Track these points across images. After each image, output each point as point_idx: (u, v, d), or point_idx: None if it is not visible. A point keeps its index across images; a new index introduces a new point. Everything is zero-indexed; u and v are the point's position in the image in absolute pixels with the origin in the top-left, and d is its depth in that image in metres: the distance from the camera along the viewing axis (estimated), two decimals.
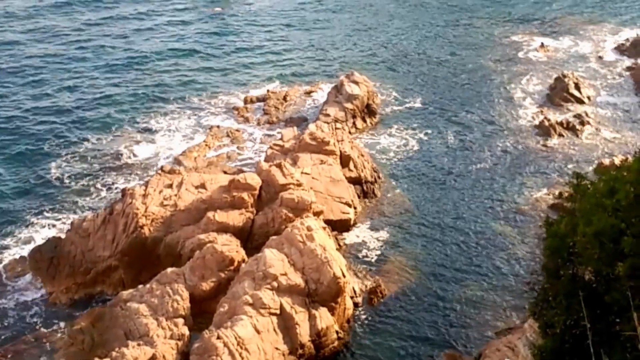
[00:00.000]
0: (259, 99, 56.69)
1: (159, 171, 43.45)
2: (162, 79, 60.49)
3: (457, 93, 58.56)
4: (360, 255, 38.97)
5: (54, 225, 41.37)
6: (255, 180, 38.99)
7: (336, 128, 49.31)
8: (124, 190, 40.86)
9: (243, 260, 34.19)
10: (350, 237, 40.38)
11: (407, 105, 56.49)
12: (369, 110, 54.06)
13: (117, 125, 52.60)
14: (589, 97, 57.46)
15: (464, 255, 38.76)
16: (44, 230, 40.92)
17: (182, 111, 54.95)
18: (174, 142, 50.41)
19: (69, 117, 53.78)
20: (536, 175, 46.60)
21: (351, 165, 44.92)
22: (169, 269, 33.76)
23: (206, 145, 49.61)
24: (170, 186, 39.49)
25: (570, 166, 46.29)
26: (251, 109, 55.32)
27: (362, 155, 46.69)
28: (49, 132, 51.55)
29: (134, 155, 48.74)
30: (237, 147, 49.88)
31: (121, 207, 38.08)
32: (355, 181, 44.20)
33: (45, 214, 42.44)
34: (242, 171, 43.15)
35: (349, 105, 52.50)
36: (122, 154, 48.74)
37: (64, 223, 41.24)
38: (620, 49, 67.76)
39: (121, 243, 36.64)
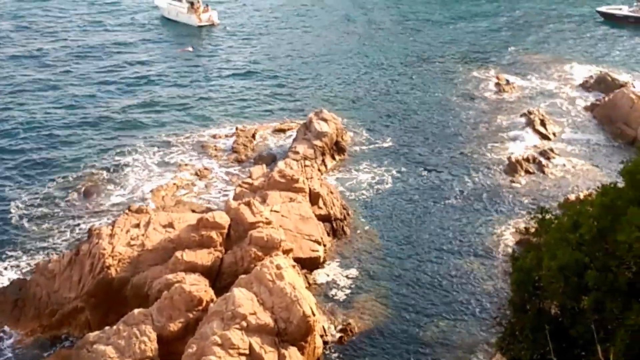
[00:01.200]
0: (227, 137, 56.71)
1: (126, 211, 43.11)
2: (129, 117, 60.32)
3: (425, 130, 59.04)
4: (330, 293, 38.82)
5: (17, 266, 40.70)
6: (223, 219, 38.81)
7: (305, 165, 49.40)
8: (90, 231, 40.45)
9: (211, 300, 33.83)
10: (319, 275, 40.23)
11: (376, 142, 56.79)
12: (338, 148, 54.25)
13: (83, 164, 52.14)
14: (554, 134, 58.27)
15: (433, 292, 38.79)
16: (8, 272, 40.18)
17: (150, 149, 54.69)
18: (141, 181, 50.06)
19: (33, 155, 53.27)
20: (503, 211, 46.97)
21: (320, 202, 44.93)
22: (136, 310, 33.28)
23: (174, 183, 49.38)
24: (137, 226, 39.14)
25: (536, 202, 46.62)
26: (220, 147, 55.24)
27: (332, 193, 46.77)
28: (13, 171, 51.04)
29: (101, 195, 48.32)
30: (206, 186, 49.71)
31: (88, 247, 37.66)
32: (324, 218, 44.17)
33: (9, 255, 41.74)
34: (211, 210, 43.00)
35: (318, 143, 52.65)
36: (88, 194, 48.26)
37: (28, 265, 40.61)
38: (584, 86, 68.89)
39: (87, 284, 36.15)
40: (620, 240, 18.70)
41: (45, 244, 42.91)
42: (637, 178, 20.28)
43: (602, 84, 67.65)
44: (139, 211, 43.05)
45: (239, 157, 53.48)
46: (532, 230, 29.78)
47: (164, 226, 39.16)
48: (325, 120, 54.80)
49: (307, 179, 46.17)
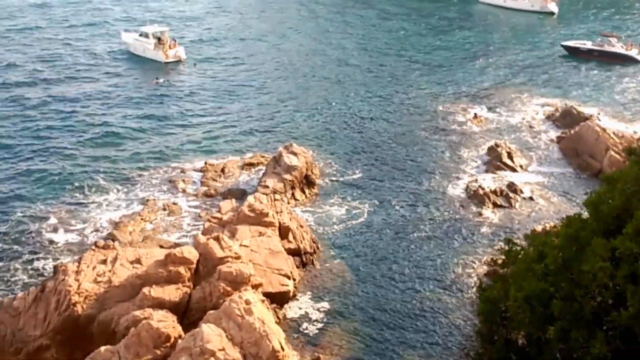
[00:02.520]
0: (196, 172, 56.57)
1: (93, 247, 42.59)
2: (95, 152, 59.91)
3: (394, 163, 59.41)
4: (300, 327, 38.58)
5: None
6: (192, 254, 38.53)
7: (275, 199, 49.31)
8: (56, 267, 39.88)
9: (180, 337, 33.42)
10: (289, 310, 39.99)
11: (346, 175, 57.01)
12: (307, 181, 54.33)
13: (49, 199, 51.54)
14: (521, 166, 58.97)
15: (403, 324, 38.73)
16: None
17: (117, 184, 54.28)
18: (108, 217, 49.56)
19: None
20: (472, 243, 47.24)
21: (290, 236, 44.86)
22: (103, 347, 32.75)
23: (142, 219, 48.99)
24: (104, 262, 38.68)
25: (504, 234, 47.00)
26: (188, 182, 55.05)
27: (301, 226, 46.72)
28: None
29: (67, 231, 47.73)
30: (174, 221, 49.41)
31: (53, 284, 37.11)
32: (294, 252, 44.08)
33: None
34: (179, 245, 42.64)
35: (287, 177, 52.69)
36: (54, 230, 47.69)
37: None
38: (550, 119, 69.97)
39: (53, 321, 35.58)
40: (584, 270, 18.90)
41: (9, 282, 42.18)
42: (601, 209, 20.55)
43: (568, 117, 68.69)
44: (105, 247, 42.60)
45: (207, 192, 53.30)
46: (499, 261, 30.02)
47: (131, 262, 38.77)
48: (295, 154, 54.94)
49: (276, 212, 46.10)
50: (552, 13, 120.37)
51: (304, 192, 53.67)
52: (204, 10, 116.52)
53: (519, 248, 24.42)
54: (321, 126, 67.38)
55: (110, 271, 37.80)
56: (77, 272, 37.44)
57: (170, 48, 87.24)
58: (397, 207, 52.08)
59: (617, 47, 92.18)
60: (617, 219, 19.83)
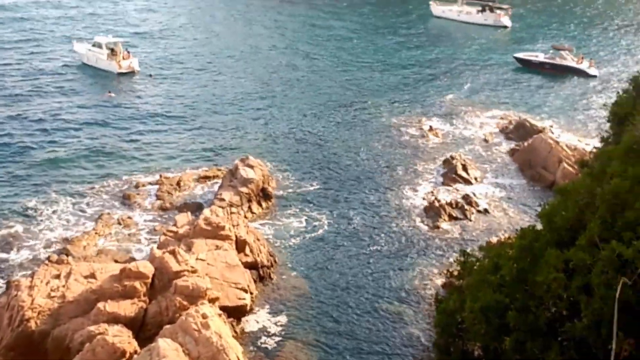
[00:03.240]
0: (151, 185, 56.05)
1: (46, 262, 41.95)
2: (47, 165, 58.87)
3: (351, 176, 59.60)
4: (257, 341, 38.34)
5: None
6: (147, 268, 38.15)
7: (231, 212, 49.14)
8: (8, 283, 39.18)
9: (135, 352, 33.02)
10: (247, 324, 39.75)
11: (303, 188, 57.01)
12: (264, 194, 54.21)
13: None
14: (476, 179, 59.62)
15: (361, 336, 38.75)
16: None
17: (70, 198, 53.42)
18: (61, 231, 48.77)
19: None
20: (428, 255, 47.57)
21: (247, 249, 44.67)
22: None
23: (96, 233, 48.30)
24: (58, 277, 38.12)
25: (460, 245, 47.42)
26: (143, 195, 54.48)
27: (258, 240, 46.59)
28: None
29: (20, 247, 46.84)
30: (129, 235, 48.82)
31: (6, 300, 36.51)
32: (251, 266, 43.88)
33: None
34: (134, 259, 42.24)
35: (244, 190, 52.52)
36: (6, 247, 46.70)
37: None
38: (504, 132, 70.93)
39: (6, 338, 34.90)
40: (539, 281, 19.14)
41: None
42: (554, 221, 20.85)
43: (521, 130, 69.71)
44: (59, 262, 41.96)
45: (163, 205, 52.83)
46: (455, 273, 30.24)
47: (86, 277, 38.25)
48: (251, 166, 54.82)
49: (233, 226, 45.90)
50: (505, 26, 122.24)
51: (260, 205, 53.54)
52: (161, 23, 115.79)
53: (474, 259, 24.66)
54: (277, 139, 67.33)
55: (64, 286, 37.26)
56: (31, 288, 36.84)
57: (123, 59, 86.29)
58: (354, 220, 52.22)
59: (569, 60, 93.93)
60: (571, 231, 20.14)
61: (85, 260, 43.38)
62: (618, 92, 46.18)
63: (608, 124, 44.65)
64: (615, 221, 17.67)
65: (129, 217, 50.95)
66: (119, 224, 50.00)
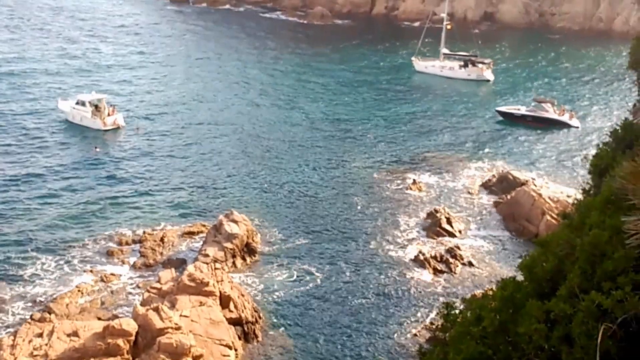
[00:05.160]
0: (135, 242, 55.82)
1: (29, 320, 41.63)
2: (30, 222, 58.59)
3: (335, 230, 59.67)
4: None
5: None
6: (131, 326, 37.91)
7: (216, 268, 48.95)
8: None
9: None
10: None
11: (287, 243, 56.97)
12: (248, 249, 54.15)
13: None
14: (460, 231, 59.84)
15: None
16: None
17: (53, 256, 53.06)
18: (44, 289, 48.37)
19: None
20: (414, 309, 47.49)
21: (231, 305, 44.44)
22: None
23: (79, 290, 47.90)
24: (40, 335, 37.81)
25: (445, 298, 47.30)
26: (127, 252, 54.23)
27: (243, 295, 46.37)
28: None
29: (1, 304, 46.31)
30: (112, 292, 48.46)
31: None
32: (235, 322, 43.62)
33: None
34: (117, 317, 41.91)
35: (228, 245, 52.45)
36: None
37: None
38: (487, 185, 71.40)
39: None
40: (520, 332, 19.04)
41: None
42: (535, 272, 20.87)
43: (504, 182, 70.23)
44: (42, 320, 41.68)
45: (146, 262, 52.56)
46: (439, 325, 30.07)
47: (69, 335, 37.93)
48: (235, 221, 54.83)
49: (217, 281, 45.71)
50: (488, 80, 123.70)
51: (245, 260, 53.45)
52: (146, 77, 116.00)
53: (457, 312, 24.58)
54: (262, 194, 67.46)
55: (47, 344, 36.93)
56: (13, 346, 36.52)
57: (108, 115, 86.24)
58: (339, 274, 52.13)
59: (550, 112, 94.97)
60: (551, 281, 20.12)
61: (68, 318, 43.03)
62: (598, 145, 46.79)
63: (589, 176, 45.13)
64: (594, 271, 17.71)
65: (112, 274, 50.64)
66: (102, 281, 49.67)
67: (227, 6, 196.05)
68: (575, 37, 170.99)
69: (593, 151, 50.97)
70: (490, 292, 30.13)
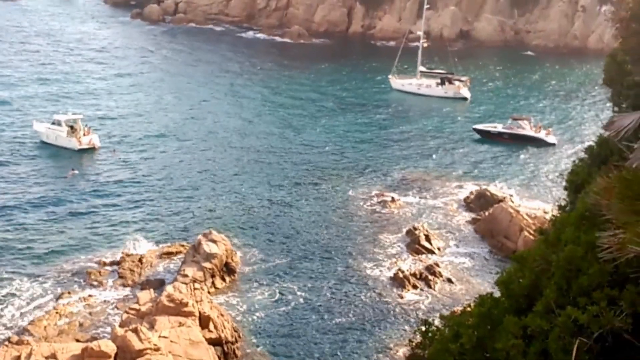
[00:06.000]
0: (113, 263, 55.46)
1: (6, 343, 41.28)
2: (6, 244, 57.84)
3: (314, 249, 59.73)
4: None
5: None
6: (109, 347, 37.67)
7: (195, 288, 48.73)
8: None
9: None
10: None
11: (267, 262, 56.93)
12: (228, 269, 54.02)
13: None
14: (439, 249, 60.14)
15: None
16: None
17: (31, 278, 52.52)
18: (21, 311, 47.92)
19: None
20: (393, 326, 47.63)
21: (211, 325, 44.26)
22: None
23: (57, 312, 47.49)
24: (18, 358, 37.47)
25: (424, 315, 47.48)
26: (105, 273, 53.84)
27: (222, 315, 46.22)
28: None
29: None
30: (90, 314, 48.10)
31: None
32: (215, 342, 43.41)
33: None
34: (96, 338, 41.61)
35: (207, 265, 52.29)
36: None
37: None
38: (465, 202, 71.86)
39: None
40: (498, 348, 19.19)
41: None
42: (511, 288, 21.05)
43: (482, 199, 70.68)
44: (19, 343, 41.26)
45: (125, 283, 52.27)
46: (418, 342, 30.16)
47: (47, 357, 37.59)
48: (214, 241, 54.68)
49: (196, 302, 45.53)
50: (465, 98, 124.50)
51: (224, 279, 53.31)
52: (123, 99, 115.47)
53: (435, 329, 24.72)
54: (240, 213, 67.32)
55: None
56: None
57: (84, 135, 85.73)
58: (319, 293, 52.15)
59: (527, 130, 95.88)
60: (528, 297, 20.32)
61: (46, 340, 42.63)
62: (574, 161, 47.31)
63: (565, 192, 45.60)
64: (570, 287, 17.93)
65: (91, 296, 50.29)
66: (81, 302, 49.30)
67: (205, 25, 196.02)
68: (550, 54, 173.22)
69: (569, 167, 51.76)
70: (468, 309, 30.32)
